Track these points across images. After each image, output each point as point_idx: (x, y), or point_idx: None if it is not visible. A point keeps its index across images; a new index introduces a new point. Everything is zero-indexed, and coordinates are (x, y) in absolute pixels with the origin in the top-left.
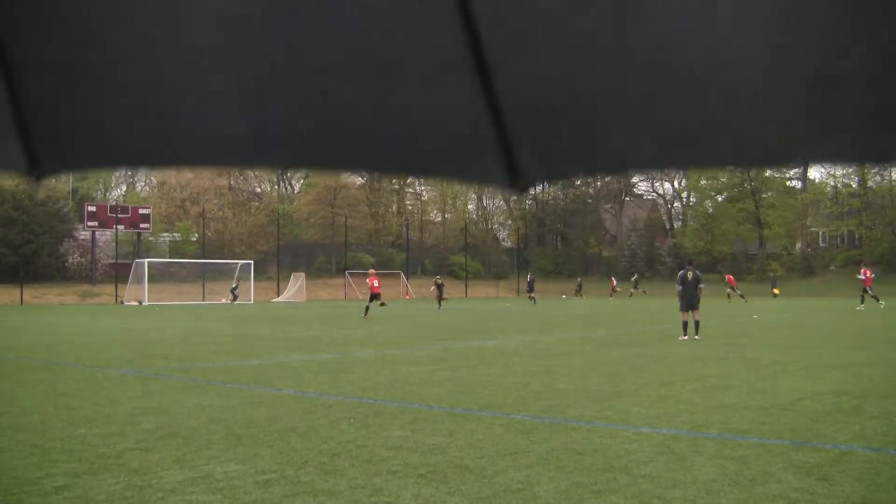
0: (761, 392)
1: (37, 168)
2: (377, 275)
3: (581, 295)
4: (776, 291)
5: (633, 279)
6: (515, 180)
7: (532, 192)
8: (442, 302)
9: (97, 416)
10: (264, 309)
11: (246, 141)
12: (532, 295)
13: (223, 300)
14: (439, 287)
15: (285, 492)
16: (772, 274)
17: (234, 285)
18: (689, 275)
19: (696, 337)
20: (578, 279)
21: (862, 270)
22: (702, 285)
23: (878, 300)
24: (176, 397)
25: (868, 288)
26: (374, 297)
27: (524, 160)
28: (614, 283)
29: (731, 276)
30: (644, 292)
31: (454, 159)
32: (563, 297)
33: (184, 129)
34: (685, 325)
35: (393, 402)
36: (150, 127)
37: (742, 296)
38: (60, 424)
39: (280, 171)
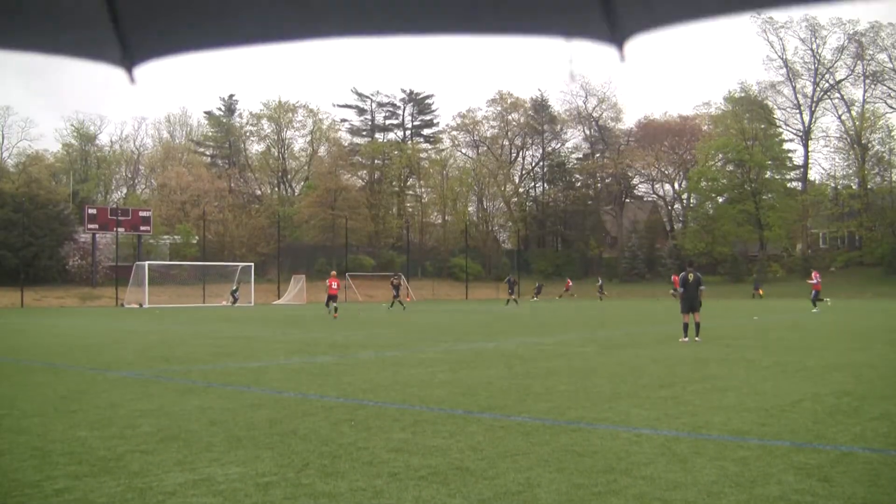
0: (762, 393)
1: (129, 57)
2: (337, 277)
3: (536, 298)
4: (760, 292)
5: (598, 284)
6: (614, 31)
7: (534, 194)
8: (395, 302)
9: (98, 419)
10: (265, 311)
11: (337, 6)
12: (513, 297)
13: (223, 302)
14: (395, 286)
15: (286, 494)
16: (754, 275)
17: (234, 288)
18: (690, 277)
19: (697, 338)
20: (538, 283)
21: (812, 274)
22: (703, 287)
23: (815, 304)
24: (176, 399)
25: (817, 292)
26: (331, 298)
27: (623, 6)
28: (569, 284)
29: (676, 278)
30: (606, 295)
31: (548, 10)
32: (534, 299)
33: (274, 3)
34: (686, 326)
35: (394, 404)
36: (239, 5)
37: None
38: (61, 427)
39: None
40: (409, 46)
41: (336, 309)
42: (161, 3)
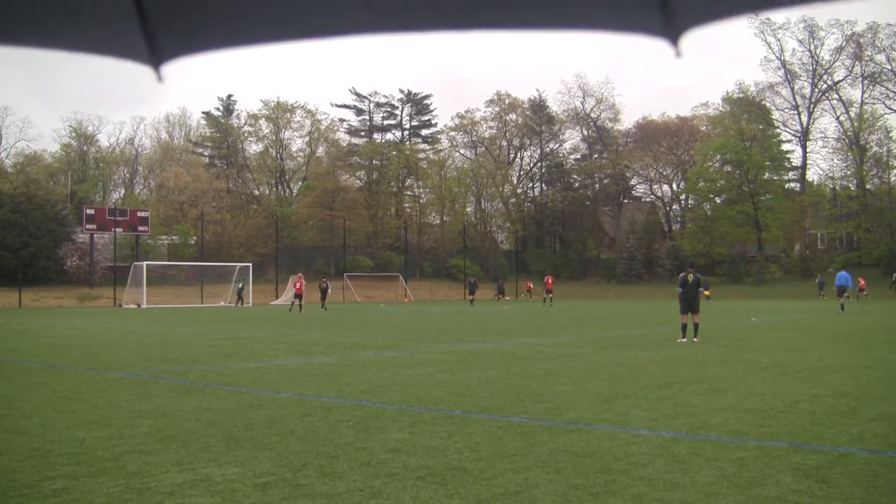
0: (760, 394)
1: (156, 54)
2: (301, 278)
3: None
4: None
5: (498, 283)
6: (668, 25)
7: (532, 195)
8: (292, 305)
9: (96, 419)
10: (263, 311)
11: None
12: (472, 298)
13: (222, 303)
14: (323, 290)
15: (284, 494)
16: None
17: (240, 286)
18: (690, 277)
19: (695, 339)
20: (500, 282)
21: (546, 279)
22: (702, 288)
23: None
24: (175, 400)
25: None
26: (297, 297)
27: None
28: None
29: (550, 278)
30: (505, 298)
31: (603, 5)
32: (507, 299)
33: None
34: (684, 327)
35: (392, 404)
36: (266, 3)
37: (552, 299)
38: (59, 427)
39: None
40: (408, 46)
41: (301, 307)
42: (188, 0)
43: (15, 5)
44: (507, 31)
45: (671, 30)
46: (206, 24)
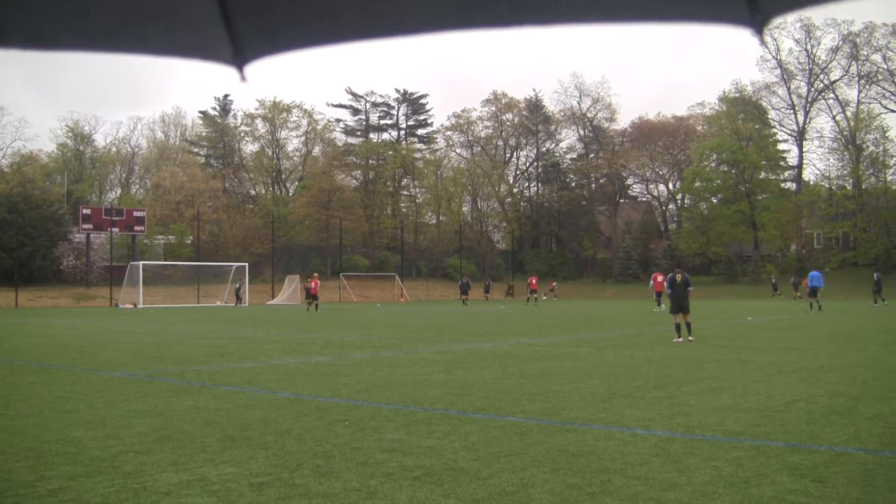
0: (756, 394)
1: (240, 55)
2: (317, 278)
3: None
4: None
5: (486, 284)
6: (753, 14)
7: (528, 194)
8: (310, 304)
9: (92, 419)
10: (259, 311)
11: None
12: (465, 298)
13: (218, 302)
14: (307, 288)
15: (280, 494)
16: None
17: (237, 286)
18: (678, 277)
19: (690, 338)
20: (487, 281)
21: (529, 280)
22: (691, 287)
23: (659, 304)
24: (171, 400)
25: (659, 293)
26: (313, 297)
27: None
28: (553, 285)
29: (534, 279)
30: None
31: None
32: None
33: None
34: (678, 327)
35: (388, 404)
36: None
37: (537, 299)
38: (56, 427)
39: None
40: (404, 46)
41: (317, 306)
42: (272, 2)
43: (104, 12)
44: (582, 25)
45: (756, 18)
46: (288, 24)
